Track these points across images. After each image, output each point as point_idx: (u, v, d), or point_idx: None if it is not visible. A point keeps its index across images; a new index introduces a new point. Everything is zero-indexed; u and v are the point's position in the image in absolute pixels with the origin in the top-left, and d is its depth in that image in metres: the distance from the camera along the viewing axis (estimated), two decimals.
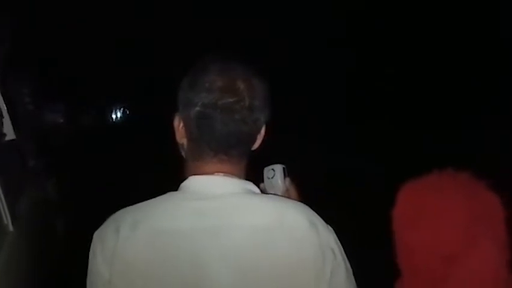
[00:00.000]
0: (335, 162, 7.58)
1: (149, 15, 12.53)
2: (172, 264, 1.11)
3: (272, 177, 1.38)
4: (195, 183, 1.17)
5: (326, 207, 1.30)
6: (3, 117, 2.92)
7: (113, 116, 14.56)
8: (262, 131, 1.21)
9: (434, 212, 1.10)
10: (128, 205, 1.21)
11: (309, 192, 1.42)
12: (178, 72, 1.31)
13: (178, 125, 1.20)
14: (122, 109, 14.61)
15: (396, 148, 7.90)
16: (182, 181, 1.20)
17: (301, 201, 1.29)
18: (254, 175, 1.33)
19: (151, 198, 1.21)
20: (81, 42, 11.91)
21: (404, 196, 1.15)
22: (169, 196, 1.19)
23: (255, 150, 1.23)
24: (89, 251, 1.18)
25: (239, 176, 1.19)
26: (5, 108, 2.98)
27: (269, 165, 1.42)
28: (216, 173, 1.17)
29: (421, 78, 10.81)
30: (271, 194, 1.35)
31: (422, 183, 1.15)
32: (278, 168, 1.39)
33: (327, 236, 1.14)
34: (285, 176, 1.38)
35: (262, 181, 1.40)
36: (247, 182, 1.21)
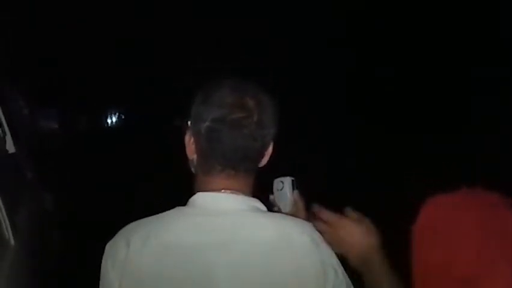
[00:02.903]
0: (335, 162, 7.59)
1: (149, 15, 12.54)
2: (181, 278, 1.15)
3: (281, 189, 1.41)
4: (202, 199, 1.21)
5: (326, 207, 1.31)
6: (5, 134, 2.96)
7: (109, 121, 14.58)
8: (270, 149, 1.24)
9: (450, 231, 1.07)
10: (127, 212, 1.23)
11: (309, 192, 1.42)
12: (178, 72, 1.32)
13: (189, 140, 1.23)
14: (117, 114, 14.63)
15: (397, 147, 7.91)
16: (190, 196, 1.23)
17: (306, 215, 1.33)
18: (265, 184, 1.37)
19: (150, 203, 1.23)
20: (79, 44, 11.92)
21: (424, 212, 1.11)
22: (178, 211, 1.22)
23: (262, 167, 1.25)
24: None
25: (246, 193, 1.22)
26: (5, 124, 3.00)
27: (279, 176, 1.43)
28: (223, 190, 1.20)
29: (421, 79, 10.81)
30: (280, 205, 1.40)
31: (444, 200, 1.11)
32: (287, 180, 1.41)
33: (329, 255, 1.17)
34: (293, 188, 1.40)
35: (272, 192, 1.42)
36: (254, 199, 1.23)
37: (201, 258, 1.15)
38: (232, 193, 1.20)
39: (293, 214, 1.33)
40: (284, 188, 1.40)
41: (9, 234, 2.36)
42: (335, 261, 1.17)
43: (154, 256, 1.15)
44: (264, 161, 1.24)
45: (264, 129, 1.18)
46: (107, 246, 1.20)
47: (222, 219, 1.17)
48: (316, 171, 6.79)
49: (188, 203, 1.22)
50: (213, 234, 1.16)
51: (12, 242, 2.40)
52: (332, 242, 1.23)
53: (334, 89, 11.26)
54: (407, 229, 1.10)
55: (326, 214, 1.30)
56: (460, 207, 1.08)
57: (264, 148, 1.21)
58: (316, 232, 1.20)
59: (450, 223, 1.08)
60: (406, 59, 11.02)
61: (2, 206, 2.33)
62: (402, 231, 1.14)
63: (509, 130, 6.86)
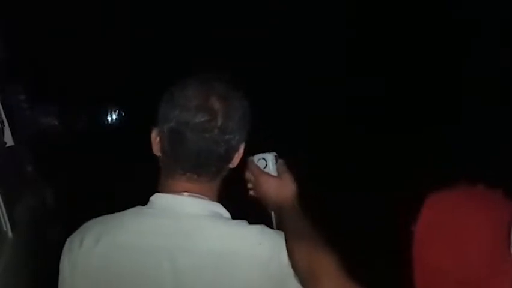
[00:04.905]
0: (335, 163, 7.59)
1: (150, 14, 12.54)
2: (128, 280, 1.14)
3: (264, 168, 1.31)
4: (161, 200, 1.18)
5: (318, 206, 1.28)
6: (4, 126, 2.95)
7: (109, 118, 14.50)
8: (240, 150, 1.20)
9: (457, 230, 1.00)
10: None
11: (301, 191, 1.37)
12: (176, 73, 1.31)
13: (155, 138, 1.20)
14: (117, 111, 14.56)
15: (396, 148, 7.92)
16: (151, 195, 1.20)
17: (295, 184, 1.28)
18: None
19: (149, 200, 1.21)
20: (77, 43, 11.92)
21: (426, 211, 1.05)
22: (136, 210, 1.19)
23: (232, 168, 1.21)
24: None
25: (209, 197, 1.19)
26: (4, 115, 2.99)
27: (257, 153, 1.32)
28: (182, 193, 1.17)
29: (413, 80, 10.78)
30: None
31: (446, 198, 1.05)
32: (270, 157, 1.31)
33: (288, 270, 1.12)
34: (276, 163, 1.31)
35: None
36: (216, 204, 1.19)
37: (150, 262, 1.13)
38: (193, 196, 1.17)
39: (282, 186, 1.28)
40: (268, 166, 1.31)
41: (7, 227, 2.37)
42: (291, 273, 1.12)
43: (103, 256, 1.14)
44: (234, 162, 1.20)
45: (229, 134, 1.15)
46: (66, 242, 1.19)
47: (179, 224, 1.14)
48: (314, 171, 6.79)
49: (148, 202, 1.20)
50: (166, 239, 1.13)
51: (10, 234, 2.40)
52: (256, 191, 1.30)
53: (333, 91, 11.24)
54: (408, 228, 1.07)
55: (252, 166, 1.31)
56: (464, 206, 1.04)
57: (229, 152, 1.17)
58: (278, 241, 1.15)
59: (454, 223, 1.03)
60: (399, 63, 10.98)
61: (0, 199, 2.34)
62: (402, 231, 1.11)
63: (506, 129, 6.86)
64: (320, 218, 1.23)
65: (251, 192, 1.32)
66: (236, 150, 1.19)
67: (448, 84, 10.11)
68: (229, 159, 1.19)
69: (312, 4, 11.73)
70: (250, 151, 1.32)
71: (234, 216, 1.21)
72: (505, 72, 8.46)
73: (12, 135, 2.98)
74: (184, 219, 1.15)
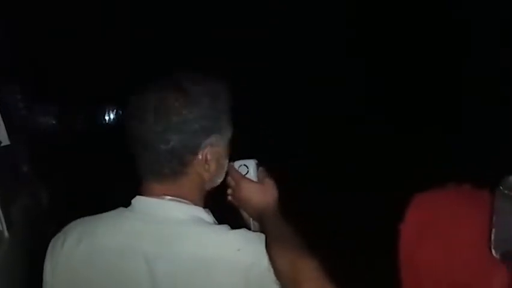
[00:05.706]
0: (335, 164, 7.57)
1: (149, 15, 12.53)
2: (107, 281, 1.16)
3: (245, 174, 1.34)
4: (142, 203, 1.20)
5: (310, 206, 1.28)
6: None
7: (107, 118, 14.50)
8: (203, 152, 1.19)
9: (447, 230, 0.99)
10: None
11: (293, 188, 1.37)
12: (178, 70, 1.29)
13: None
14: (117, 111, 14.55)
15: (394, 148, 7.90)
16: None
17: (279, 195, 1.27)
18: None
19: None
20: (76, 43, 11.90)
21: (413, 210, 1.05)
22: (118, 212, 1.21)
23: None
24: None
25: (192, 200, 1.19)
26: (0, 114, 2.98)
27: (239, 159, 1.35)
28: (163, 196, 1.18)
29: (411, 81, 10.77)
30: None
31: (436, 196, 1.04)
32: (251, 164, 1.35)
33: (268, 276, 1.12)
34: (258, 170, 1.35)
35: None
36: (197, 208, 1.20)
37: (128, 265, 1.14)
38: (173, 200, 1.18)
39: (263, 192, 1.28)
40: (249, 173, 1.34)
41: (3, 226, 2.37)
42: (271, 279, 1.12)
43: (84, 257, 1.17)
44: (201, 166, 1.20)
45: (171, 133, 1.16)
46: (50, 244, 1.21)
47: (158, 227, 1.15)
48: (315, 171, 6.80)
49: (130, 205, 1.19)
50: (147, 243, 1.14)
51: (6, 234, 2.40)
52: (236, 197, 1.30)
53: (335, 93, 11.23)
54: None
55: (232, 172, 1.32)
56: (452, 205, 1.02)
57: (173, 151, 1.17)
58: (259, 247, 1.15)
59: (444, 223, 1.01)
60: (399, 63, 10.97)
61: None
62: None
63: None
64: (320, 218, 1.22)
65: (229, 198, 1.32)
66: (187, 151, 1.18)
67: (448, 84, 10.08)
68: (180, 159, 1.18)
69: (312, 4, 11.72)
70: (250, 151, 1.31)
71: (219, 221, 1.20)
72: (505, 72, 8.42)
73: (9, 135, 2.97)
74: (165, 223, 1.15)
